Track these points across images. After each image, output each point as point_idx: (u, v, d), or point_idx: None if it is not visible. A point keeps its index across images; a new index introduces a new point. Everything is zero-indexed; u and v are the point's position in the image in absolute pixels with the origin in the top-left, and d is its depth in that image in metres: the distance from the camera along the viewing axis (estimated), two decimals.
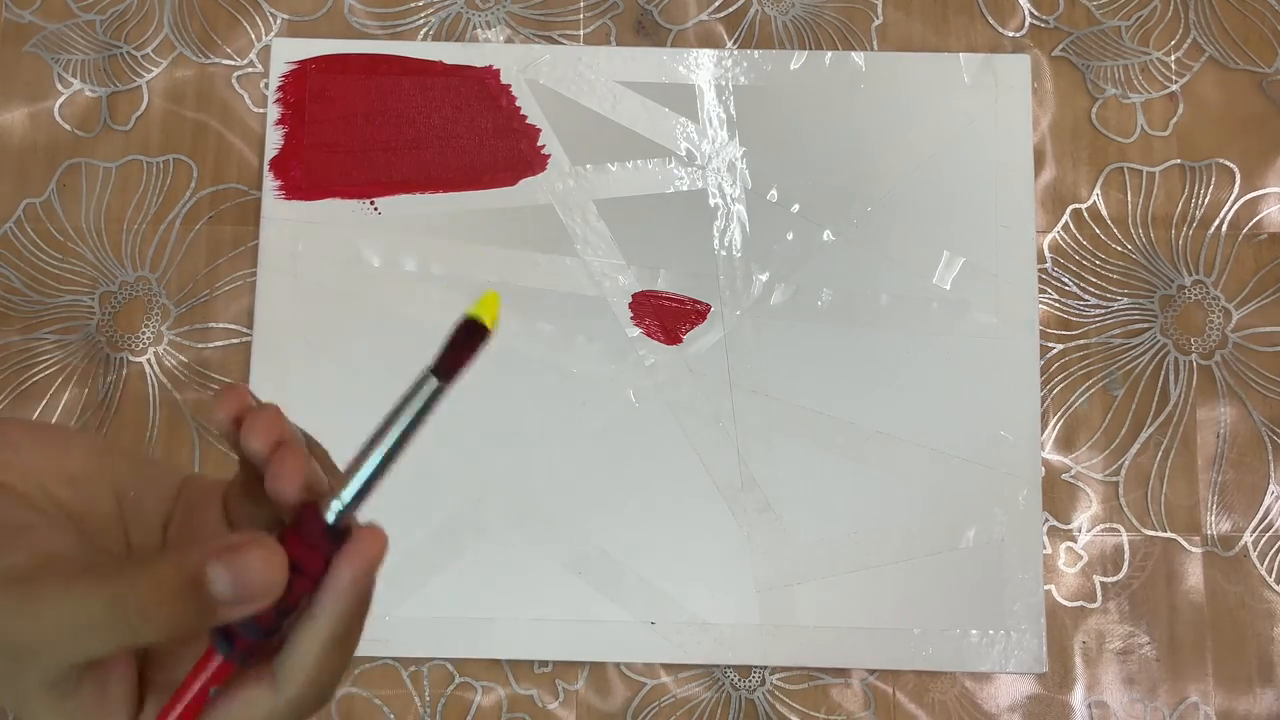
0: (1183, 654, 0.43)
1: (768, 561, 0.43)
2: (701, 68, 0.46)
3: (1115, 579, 0.43)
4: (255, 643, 0.21)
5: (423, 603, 0.42)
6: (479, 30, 0.47)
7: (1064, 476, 0.44)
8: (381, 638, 0.42)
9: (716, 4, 0.47)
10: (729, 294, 0.44)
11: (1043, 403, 0.44)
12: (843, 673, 0.43)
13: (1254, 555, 0.43)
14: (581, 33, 0.47)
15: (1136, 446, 0.44)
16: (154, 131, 0.46)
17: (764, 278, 0.45)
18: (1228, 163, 0.46)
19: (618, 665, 0.43)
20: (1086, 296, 0.45)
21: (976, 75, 0.46)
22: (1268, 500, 0.44)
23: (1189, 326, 0.45)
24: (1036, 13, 0.47)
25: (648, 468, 0.43)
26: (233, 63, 0.47)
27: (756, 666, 0.43)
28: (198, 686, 0.21)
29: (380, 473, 0.22)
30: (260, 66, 0.47)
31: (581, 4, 0.47)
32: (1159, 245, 0.45)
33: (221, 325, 0.45)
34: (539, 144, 0.45)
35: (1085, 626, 0.43)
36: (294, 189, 0.45)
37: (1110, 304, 0.45)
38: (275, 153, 0.45)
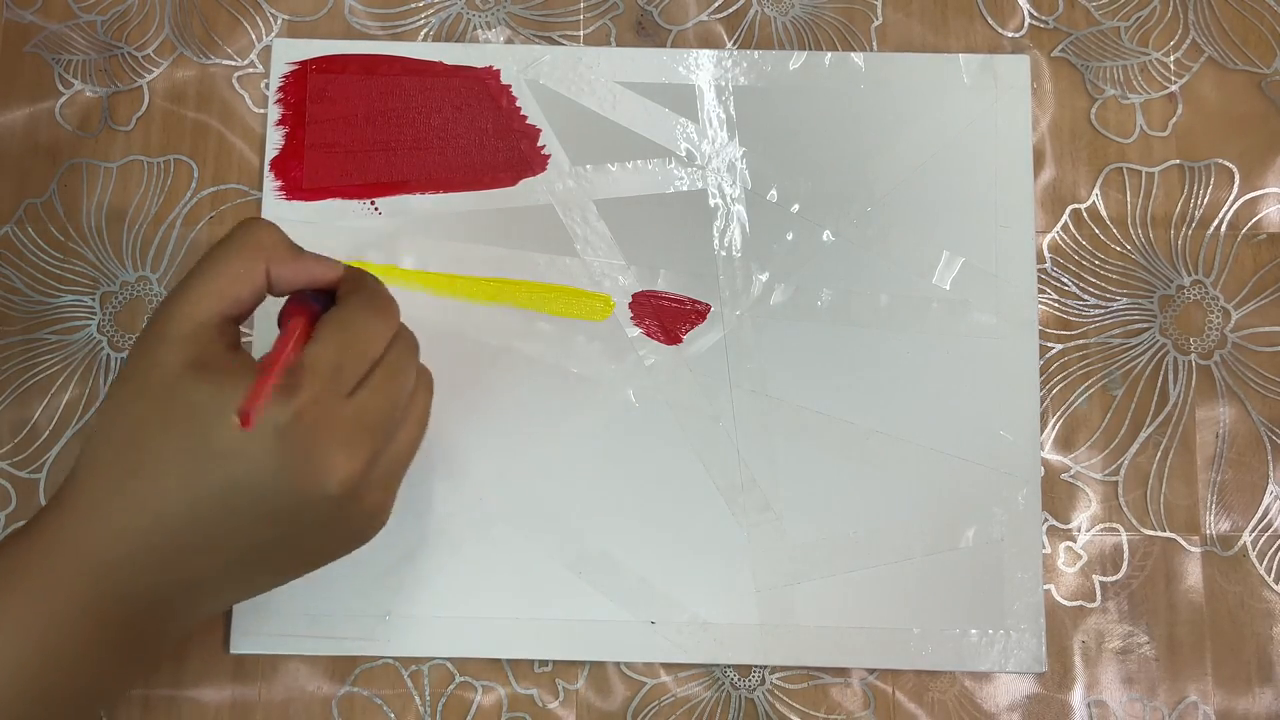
0: (1182, 653, 0.43)
1: (768, 561, 0.43)
2: (701, 68, 0.46)
3: (1114, 579, 0.43)
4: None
5: (423, 602, 0.42)
6: (479, 31, 0.47)
7: (1063, 476, 0.44)
8: (381, 638, 0.42)
9: (716, 4, 0.47)
10: (729, 294, 0.44)
11: (1042, 402, 0.44)
12: (842, 672, 0.43)
13: (1253, 555, 0.43)
14: (581, 33, 0.47)
15: (1136, 446, 0.44)
16: (155, 132, 0.46)
17: (764, 278, 0.45)
18: (1227, 163, 0.46)
19: (618, 665, 0.43)
20: (1086, 296, 0.45)
21: (976, 76, 0.46)
22: (1267, 500, 0.44)
23: (1188, 326, 0.45)
24: (1036, 13, 0.47)
25: (648, 467, 0.43)
26: (233, 63, 0.47)
27: (756, 666, 0.43)
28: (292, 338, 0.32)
29: None
30: (261, 67, 0.47)
31: (581, 4, 0.47)
32: (1158, 245, 0.45)
33: None
34: (539, 144, 0.45)
35: (1085, 626, 0.43)
36: (294, 189, 0.45)
37: (1110, 304, 0.45)
38: (276, 153, 0.45)
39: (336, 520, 0.32)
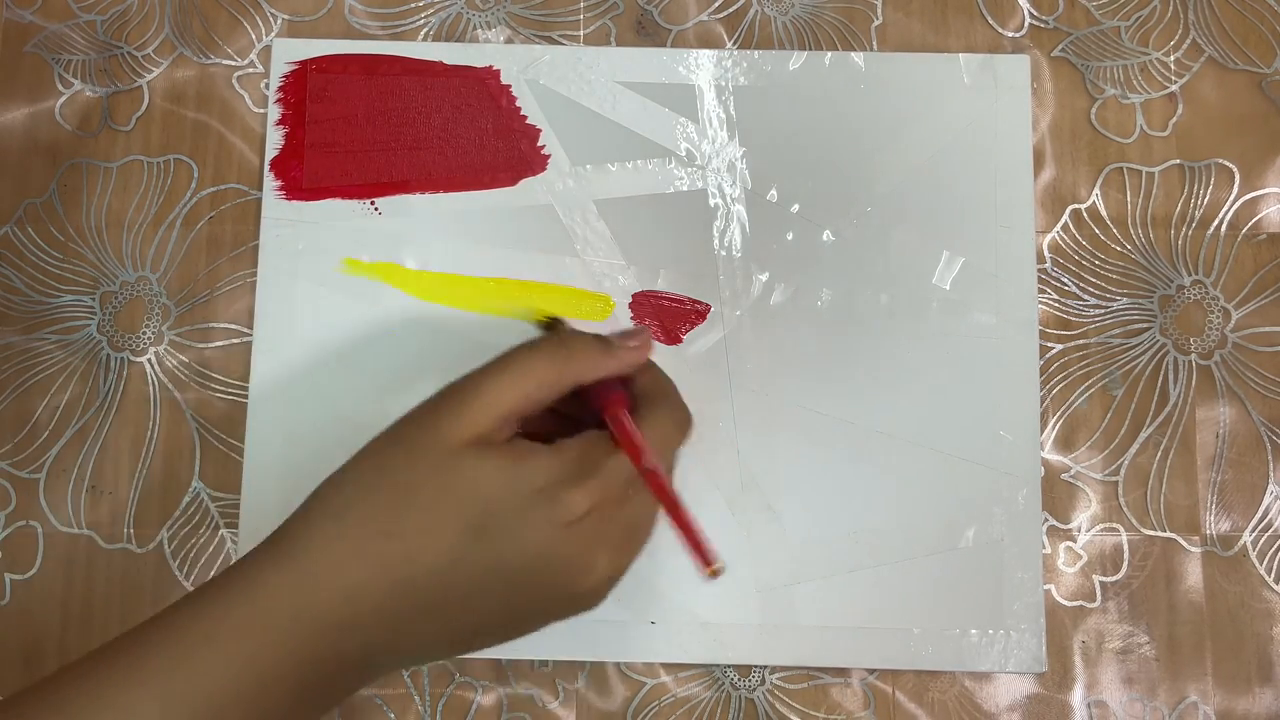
0: (1182, 654, 0.43)
1: (768, 561, 0.43)
2: (701, 68, 0.46)
3: (1114, 579, 0.43)
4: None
5: None
6: (479, 30, 0.47)
7: (1063, 476, 0.44)
8: None
9: (716, 4, 0.47)
10: (729, 294, 0.44)
11: (1042, 402, 0.44)
12: (842, 672, 0.43)
13: (1253, 555, 0.43)
14: (581, 33, 0.47)
15: (1136, 446, 0.44)
16: (154, 131, 0.46)
17: (764, 278, 0.45)
18: (1227, 163, 0.46)
19: (618, 665, 0.43)
20: (1086, 296, 0.45)
21: (976, 75, 0.46)
22: (1267, 500, 0.44)
23: (1188, 326, 0.45)
24: (1036, 13, 0.47)
25: None
26: (233, 63, 0.47)
27: (756, 666, 0.43)
28: (625, 418, 0.32)
29: None
30: (260, 67, 0.47)
31: (581, 4, 0.47)
32: (1158, 245, 0.45)
33: (222, 325, 0.45)
34: (539, 144, 0.45)
35: (1085, 626, 0.43)
36: (294, 189, 0.45)
37: (1110, 304, 0.45)
38: (276, 153, 0.45)
39: (573, 609, 0.32)
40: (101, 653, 0.29)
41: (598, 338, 0.34)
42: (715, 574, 0.31)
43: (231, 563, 0.36)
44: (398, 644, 0.31)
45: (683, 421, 0.34)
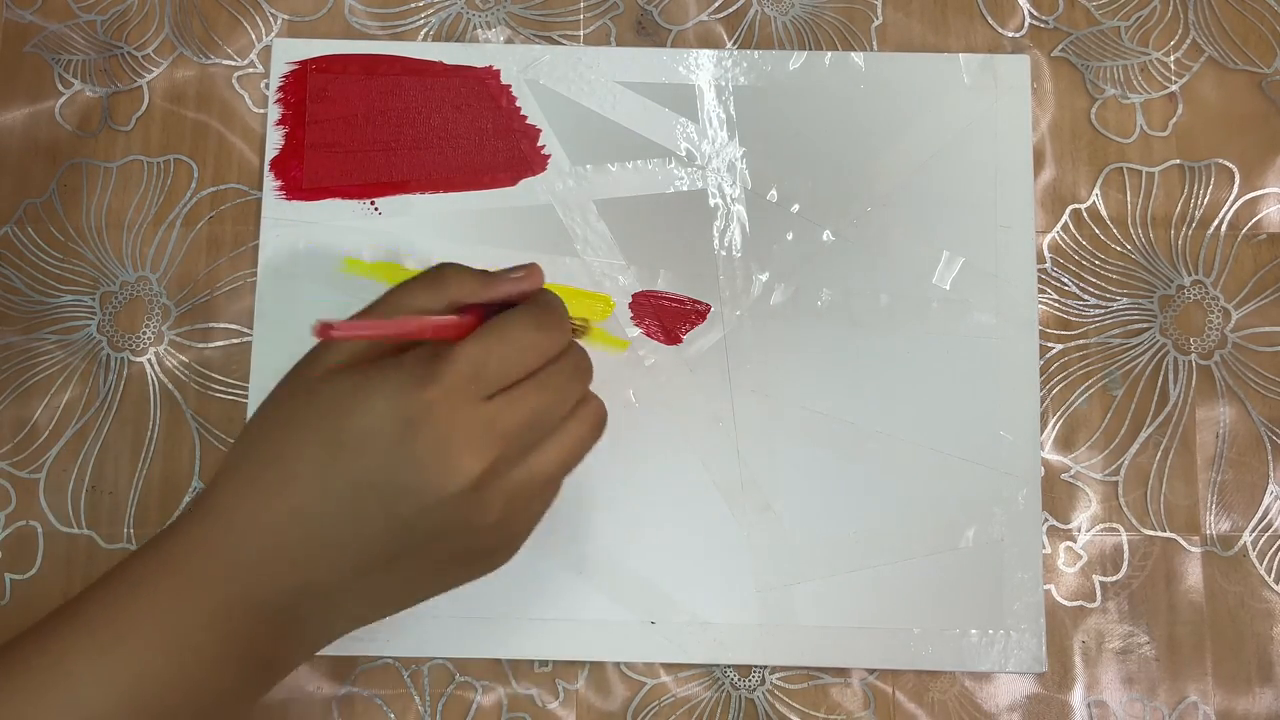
0: (1182, 654, 0.43)
1: (768, 561, 0.43)
2: (701, 68, 0.46)
3: (1115, 579, 0.43)
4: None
5: (423, 602, 0.42)
6: (479, 30, 0.47)
7: (1063, 476, 0.44)
8: (381, 637, 0.42)
9: (716, 4, 0.47)
10: (729, 294, 0.44)
11: (1042, 402, 0.44)
12: (843, 672, 0.43)
13: (1253, 555, 0.43)
14: (581, 33, 0.47)
15: (1136, 446, 0.44)
16: (154, 131, 0.46)
17: (764, 278, 0.45)
18: (1227, 163, 0.46)
19: (618, 665, 0.43)
20: (1086, 296, 0.45)
21: (976, 76, 0.46)
22: (1267, 500, 0.44)
23: (1188, 326, 0.45)
24: (1036, 13, 0.47)
25: (648, 468, 0.43)
26: (233, 63, 0.47)
27: (756, 666, 0.43)
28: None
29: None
30: (260, 67, 0.47)
31: (581, 4, 0.47)
32: (1158, 245, 0.45)
33: (222, 325, 0.45)
34: (539, 144, 0.45)
35: (1085, 626, 0.43)
36: (294, 189, 0.45)
37: (1110, 304, 0.45)
38: (276, 153, 0.45)
39: (461, 529, 0.32)
40: (48, 617, 0.31)
41: (479, 270, 0.34)
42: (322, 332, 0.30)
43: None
44: (312, 588, 0.31)
45: (542, 319, 0.33)
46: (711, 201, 0.45)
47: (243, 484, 0.31)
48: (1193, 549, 0.43)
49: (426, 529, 0.31)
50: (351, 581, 0.32)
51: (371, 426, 0.30)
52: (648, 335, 0.44)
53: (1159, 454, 0.44)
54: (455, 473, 0.30)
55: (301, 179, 0.45)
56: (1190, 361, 0.45)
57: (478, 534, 0.32)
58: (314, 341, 0.32)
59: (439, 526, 0.31)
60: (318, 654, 0.42)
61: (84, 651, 0.29)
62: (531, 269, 0.35)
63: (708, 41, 0.47)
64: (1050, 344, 0.45)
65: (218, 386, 0.44)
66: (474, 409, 0.31)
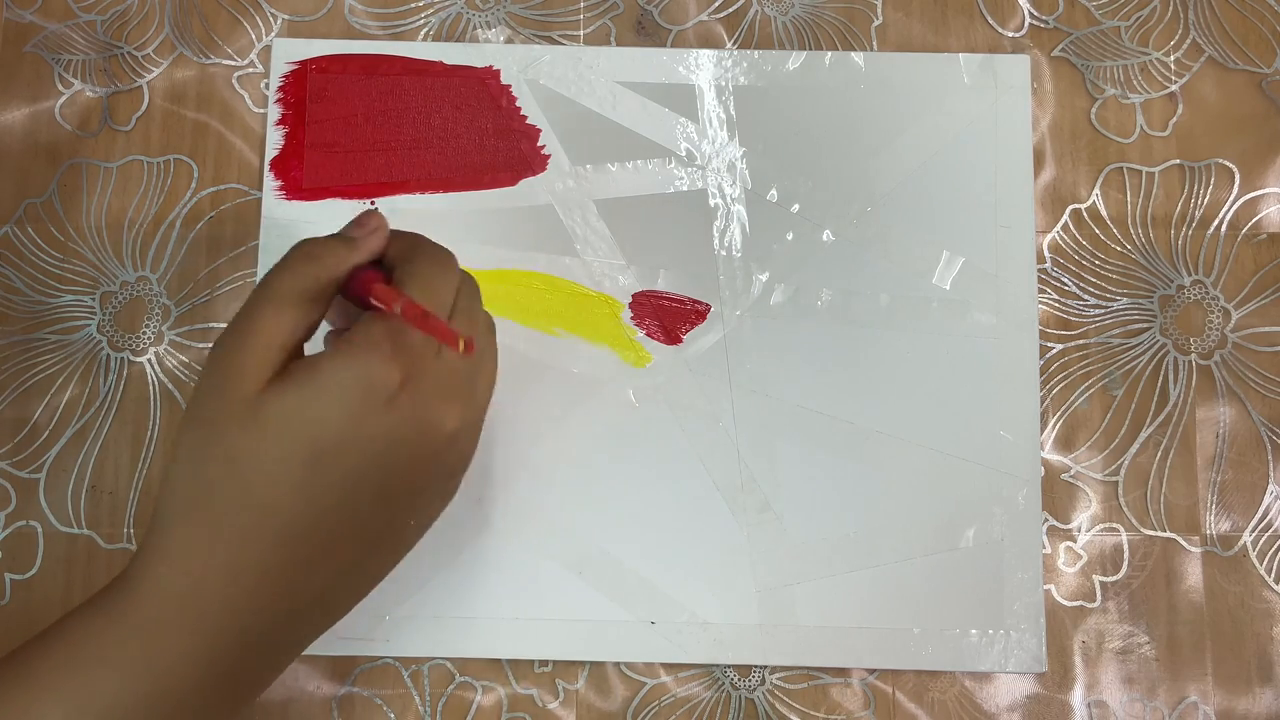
0: (1182, 654, 0.43)
1: (768, 561, 0.43)
2: (701, 68, 0.46)
3: (1115, 579, 0.43)
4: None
5: (423, 602, 0.42)
6: (479, 30, 0.47)
7: (1063, 476, 0.44)
8: (381, 637, 0.42)
9: (716, 4, 0.47)
10: (729, 294, 0.44)
11: (1042, 402, 0.44)
12: (842, 672, 0.43)
13: (1253, 555, 0.43)
14: (581, 33, 0.47)
15: (1136, 446, 0.44)
16: (155, 131, 0.46)
17: (764, 278, 0.45)
18: (1227, 163, 0.46)
19: (618, 665, 0.43)
20: (1086, 296, 0.45)
21: (976, 75, 0.46)
22: (1267, 500, 0.44)
23: (1188, 326, 0.45)
24: (1036, 13, 0.47)
25: (648, 468, 0.43)
26: (233, 63, 0.47)
27: (756, 666, 0.43)
28: (375, 285, 0.32)
29: None
30: (261, 67, 0.47)
31: (581, 4, 0.47)
32: (1158, 245, 0.45)
33: (222, 325, 0.45)
34: (539, 144, 0.45)
35: (1085, 626, 0.43)
36: (294, 189, 0.45)
37: (1110, 304, 0.45)
38: (276, 153, 0.45)
39: (441, 479, 0.33)
40: (15, 652, 0.30)
41: (337, 237, 0.34)
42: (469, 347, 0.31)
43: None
44: (298, 605, 0.31)
45: (437, 256, 0.34)
46: (711, 201, 0.45)
47: (209, 534, 0.30)
48: (1193, 549, 0.43)
49: (417, 493, 0.32)
50: (345, 577, 0.32)
51: (349, 427, 0.29)
52: (648, 335, 0.44)
53: (1159, 454, 0.44)
54: (440, 431, 0.31)
55: (301, 179, 0.45)
56: (1190, 361, 0.45)
57: (451, 476, 0.34)
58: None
59: (426, 485, 0.32)
60: (316, 655, 0.42)
61: (57, 688, 0.29)
62: (375, 215, 0.34)
63: (708, 41, 0.47)
64: (1050, 344, 0.45)
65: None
66: (435, 367, 0.31)
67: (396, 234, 0.35)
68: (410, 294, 0.31)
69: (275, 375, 0.30)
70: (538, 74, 0.46)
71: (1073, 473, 0.44)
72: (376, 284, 0.32)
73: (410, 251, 0.34)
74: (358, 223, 0.34)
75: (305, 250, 0.33)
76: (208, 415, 0.30)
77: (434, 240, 0.35)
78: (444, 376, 0.31)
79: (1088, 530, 0.44)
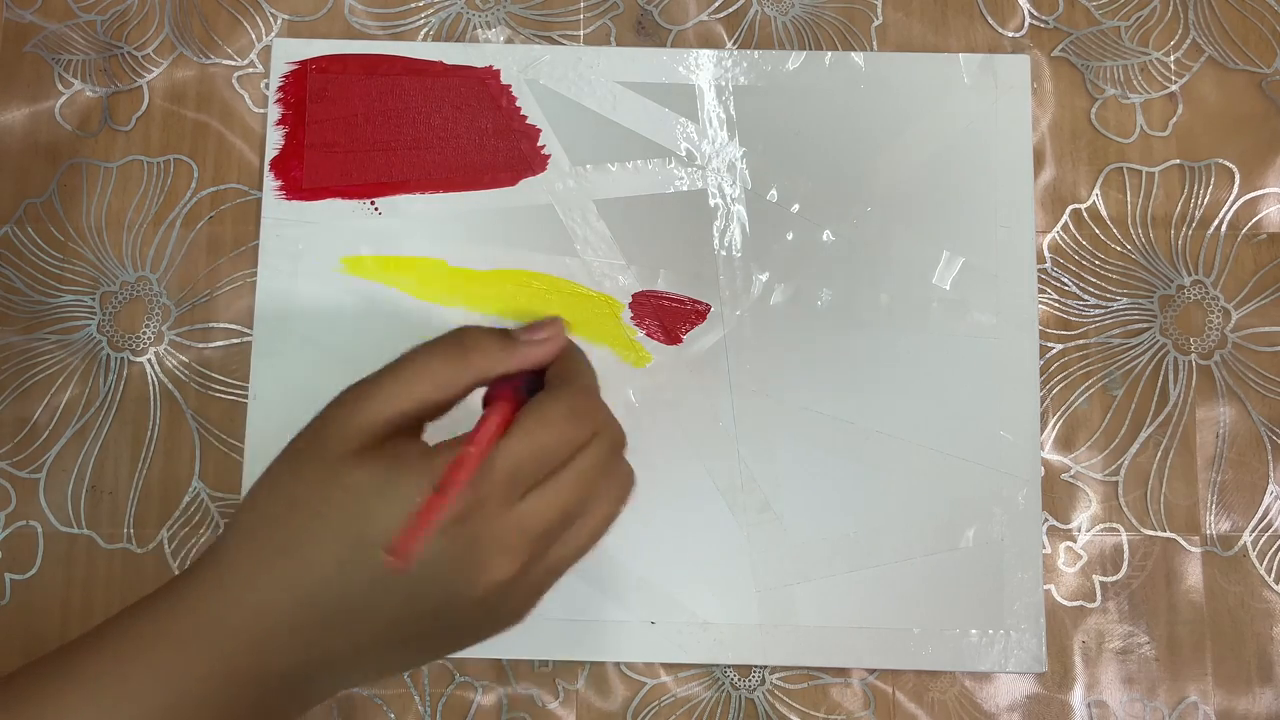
0: (1182, 654, 0.43)
1: (768, 561, 0.43)
2: (701, 68, 0.46)
3: (1115, 579, 0.43)
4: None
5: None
6: (479, 30, 0.47)
7: (1063, 476, 0.44)
8: None
9: (716, 4, 0.47)
10: (729, 294, 0.44)
11: (1042, 402, 0.44)
12: (843, 672, 0.43)
13: (1253, 555, 0.43)
14: (581, 33, 0.47)
15: (1136, 446, 0.44)
16: (155, 131, 0.46)
17: (764, 278, 0.45)
18: (1227, 163, 0.46)
19: (618, 665, 0.43)
20: (1086, 296, 0.45)
21: (976, 75, 0.46)
22: (1267, 500, 0.44)
23: (1188, 326, 0.45)
24: (1036, 13, 0.47)
25: (648, 467, 0.43)
26: (233, 63, 0.47)
27: (756, 666, 0.43)
28: (493, 412, 0.31)
29: None
30: (261, 67, 0.47)
31: (581, 4, 0.47)
32: (1158, 245, 0.45)
33: (222, 325, 0.45)
34: (539, 144, 0.45)
35: (1085, 626, 0.43)
36: (294, 189, 0.45)
37: (1110, 304, 0.45)
38: (275, 153, 0.45)
39: (480, 619, 0.31)
40: (38, 663, 0.30)
41: (501, 333, 0.33)
42: (395, 565, 0.29)
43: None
44: (319, 661, 0.30)
45: (574, 406, 0.32)
46: (711, 201, 0.45)
47: (256, 566, 0.30)
48: (1193, 549, 0.43)
49: (448, 623, 0.31)
50: (363, 656, 0.31)
51: (393, 529, 0.29)
52: (648, 335, 0.44)
53: (1159, 454, 0.44)
54: (484, 578, 0.30)
55: (301, 179, 0.45)
56: (1190, 361, 0.45)
57: (495, 620, 0.32)
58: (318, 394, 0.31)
59: (462, 620, 0.31)
60: None
61: (83, 708, 0.28)
62: (554, 326, 0.33)
63: (708, 41, 0.47)
64: (1050, 344, 0.45)
65: (218, 386, 0.44)
66: (507, 513, 0.30)
67: (567, 351, 0.33)
68: (525, 442, 0.30)
69: (364, 447, 0.30)
70: (538, 74, 0.46)
71: (1073, 473, 0.44)
72: (495, 409, 0.31)
73: (558, 382, 0.32)
74: (533, 327, 0.33)
75: (461, 338, 0.32)
76: (299, 453, 0.31)
77: (590, 382, 0.33)
78: (506, 529, 0.30)
79: (1088, 530, 0.44)
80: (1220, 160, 0.46)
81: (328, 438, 0.31)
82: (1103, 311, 0.45)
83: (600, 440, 0.32)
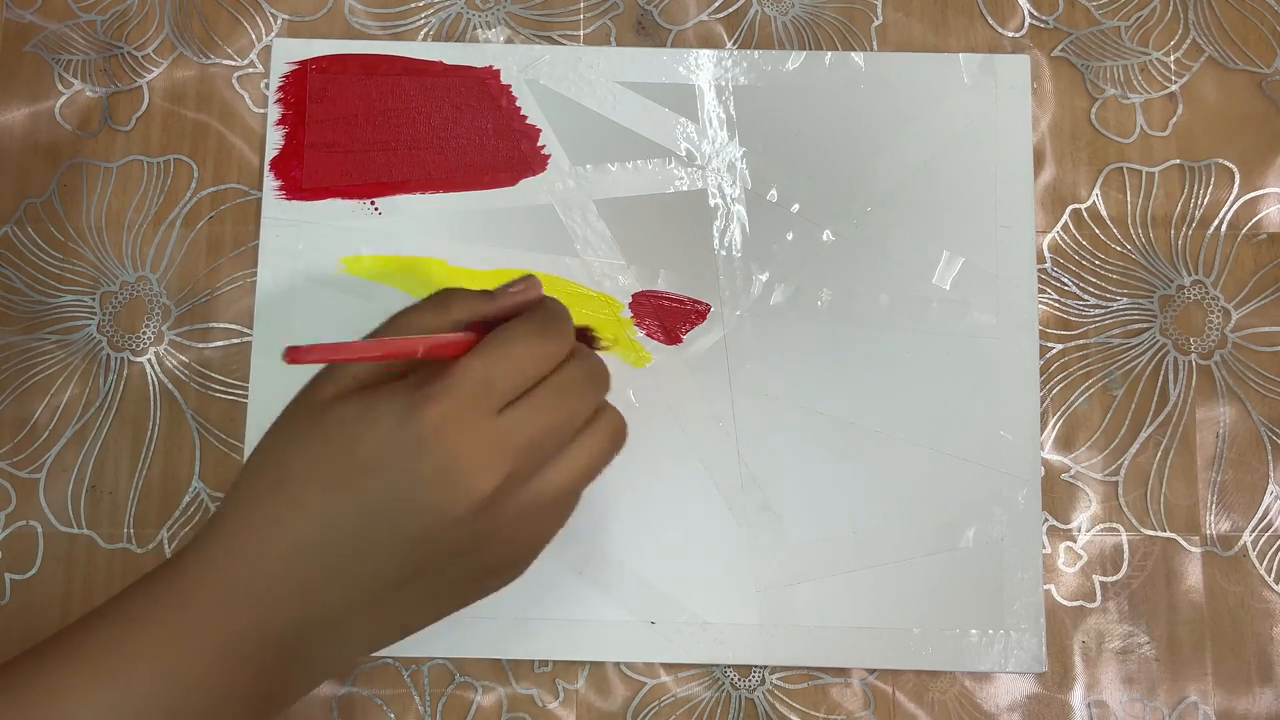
0: (1182, 654, 0.43)
1: (768, 561, 0.43)
2: (701, 68, 0.46)
3: (1115, 579, 0.43)
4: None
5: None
6: (479, 30, 0.47)
7: (1063, 476, 0.44)
8: None
9: (716, 4, 0.47)
10: (729, 294, 0.44)
11: (1042, 402, 0.44)
12: (843, 672, 0.43)
13: (1253, 555, 0.43)
14: (581, 33, 0.47)
15: (1136, 446, 0.44)
16: (155, 131, 0.46)
17: (764, 278, 0.45)
18: (1227, 163, 0.46)
19: (618, 665, 0.43)
20: (1086, 296, 0.45)
21: (976, 75, 0.46)
22: (1267, 500, 0.44)
23: (1188, 326, 0.45)
24: (1036, 13, 0.47)
25: (648, 467, 0.43)
26: (233, 63, 0.47)
27: (756, 666, 0.43)
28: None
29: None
30: (261, 67, 0.47)
31: (581, 4, 0.47)
32: (1158, 245, 0.45)
33: (222, 325, 0.45)
34: (539, 144, 0.45)
35: (1085, 626, 0.43)
36: (294, 189, 0.45)
37: (1110, 304, 0.45)
38: (275, 153, 0.45)
39: (473, 547, 0.31)
40: (39, 646, 0.30)
41: (480, 291, 0.34)
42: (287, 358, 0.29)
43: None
44: (319, 619, 0.31)
45: (531, 325, 0.32)
46: (711, 201, 0.45)
47: (248, 512, 0.31)
48: (1193, 549, 0.43)
49: (438, 549, 0.31)
50: (361, 608, 0.31)
51: (379, 450, 0.30)
52: (648, 335, 0.44)
53: (1159, 454, 0.44)
54: (467, 492, 0.30)
55: (301, 179, 0.45)
56: (1190, 361, 0.45)
57: (490, 551, 0.32)
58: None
59: (451, 546, 0.31)
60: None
61: (85, 684, 0.29)
62: (530, 280, 0.35)
63: (708, 41, 0.47)
64: (1050, 344, 0.45)
65: (218, 386, 0.44)
66: (484, 424, 0.30)
67: (547, 302, 0.34)
68: (493, 351, 0.31)
69: (354, 388, 0.32)
70: (538, 74, 0.46)
71: (1073, 473, 0.44)
72: (471, 329, 0.32)
73: (530, 309, 0.34)
74: (510, 283, 0.35)
75: (443, 294, 0.34)
76: (289, 412, 0.33)
77: (559, 309, 0.34)
78: (483, 440, 0.30)
79: (1088, 530, 0.44)
80: (1220, 160, 0.46)
81: (316, 389, 0.32)
82: (1103, 311, 0.45)
83: (579, 365, 0.33)
